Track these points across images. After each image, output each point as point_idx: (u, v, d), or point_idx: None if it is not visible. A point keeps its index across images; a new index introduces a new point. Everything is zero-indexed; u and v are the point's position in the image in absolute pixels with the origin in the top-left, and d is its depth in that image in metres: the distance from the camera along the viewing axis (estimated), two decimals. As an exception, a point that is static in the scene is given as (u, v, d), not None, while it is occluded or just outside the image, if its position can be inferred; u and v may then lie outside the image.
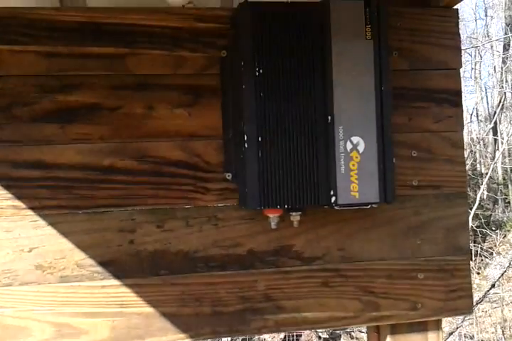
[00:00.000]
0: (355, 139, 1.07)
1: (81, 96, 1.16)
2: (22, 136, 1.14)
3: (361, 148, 1.07)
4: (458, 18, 1.27)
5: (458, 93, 1.26)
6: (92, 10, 1.17)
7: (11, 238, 1.14)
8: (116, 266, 1.17)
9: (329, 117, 1.06)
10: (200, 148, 1.20)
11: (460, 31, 1.29)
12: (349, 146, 1.07)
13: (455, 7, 1.27)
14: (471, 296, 1.28)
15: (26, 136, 1.14)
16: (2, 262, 1.13)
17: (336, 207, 1.07)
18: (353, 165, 1.07)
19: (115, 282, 1.16)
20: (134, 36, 1.18)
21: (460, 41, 1.27)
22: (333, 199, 1.06)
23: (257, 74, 1.07)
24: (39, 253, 1.14)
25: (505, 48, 9.90)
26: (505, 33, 9.88)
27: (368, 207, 1.09)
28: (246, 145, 1.07)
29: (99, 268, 1.16)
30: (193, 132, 1.20)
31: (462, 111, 1.26)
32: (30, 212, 1.14)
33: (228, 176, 1.20)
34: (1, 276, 1.13)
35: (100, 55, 1.17)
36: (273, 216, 1.13)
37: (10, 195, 1.13)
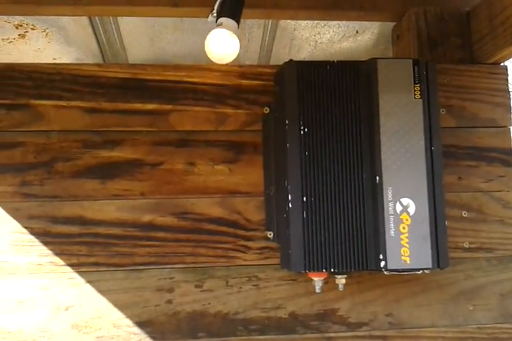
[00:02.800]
0: (405, 201, 1.03)
1: (123, 152, 1.16)
2: (63, 191, 1.14)
3: (412, 210, 1.03)
4: (507, 74, 1.24)
5: (509, 152, 1.22)
6: (136, 66, 1.19)
7: (48, 296, 1.11)
8: (154, 327, 1.12)
9: (377, 177, 1.03)
10: (240, 205, 1.17)
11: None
12: (399, 208, 1.02)
13: (504, 64, 1.24)
14: (527, 367, 1.20)
15: (67, 192, 1.14)
16: (38, 320, 1.10)
17: (385, 273, 1.02)
18: (404, 228, 1.02)
19: (151, 344, 1.12)
20: (177, 93, 1.18)
21: (510, 99, 1.23)
22: (382, 263, 1.01)
23: (302, 132, 1.05)
24: (76, 312, 1.11)
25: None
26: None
27: (420, 272, 1.04)
28: (290, 205, 1.04)
29: (136, 329, 1.12)
30: (234, 189, 1.18)
31: (514, 170, 1.21)
32: (68, 269, 1.12)
33: (270, 235, 1.16)
34: (36, 335, 1.10)
35: (143, 111, 1.17)
36: (318, 279, 1.08)
37: (49, 252, 1.12)
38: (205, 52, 1.69)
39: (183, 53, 1.78)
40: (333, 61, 1.07)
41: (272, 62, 1.79)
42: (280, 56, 1.79)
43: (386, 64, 1.06)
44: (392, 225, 1.02)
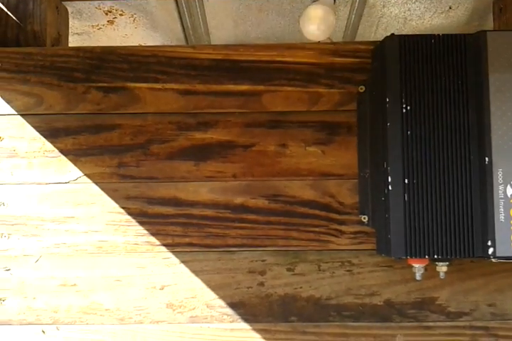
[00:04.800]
0: (516, 184, 0.96)
1: (216, 134, 1.15)
2: (158, 172, 1.15)
3: (524, 194, 0.95)
4: None
5: None
6: (228, 47, 1.17)
7: (144, 275, 1.14)
8: (246, 309, 1.12)
9: (486, 159, 0.96)
10: (333, 188, 1.14)
11: None
12: (509, 191, 0.95)
13: None
14: None
15: (162, 173, 1.15)
16: (134, 298, 1.13)
17: (493, 260, 0.95)
18: (515, 213, 0.95)
19: (244, 326, 1.11)
20: (269, 73, 1.16)
21: None
22: (490, 250, 0.95)
23: (404, 110, 1.00)
24: (170, 291, 1.13)
25: None
26: None
27: (531, 260, 0.97)
28: (390, 188, 0.99)
29: (228, 310, 1.12)
30: (327, 171, 1.15)
31: None
32: (163, 249, 1.14)
33: (364, 219, 1.12)
34: (132, 313, 1.13)
35: (236, 92, 1.16)
36: (418, 266, 1.03)
37: (145, 232, 1.14)
38: (287, 33, 1.66)
39: (266, 35, 1.76)
40: (438, 35, 1.00)
41: (358, 38, 1.73)
42: (366, 34, 1.73)
43: (496, 36, 0.99)
44: (501, 210, 0.95)
